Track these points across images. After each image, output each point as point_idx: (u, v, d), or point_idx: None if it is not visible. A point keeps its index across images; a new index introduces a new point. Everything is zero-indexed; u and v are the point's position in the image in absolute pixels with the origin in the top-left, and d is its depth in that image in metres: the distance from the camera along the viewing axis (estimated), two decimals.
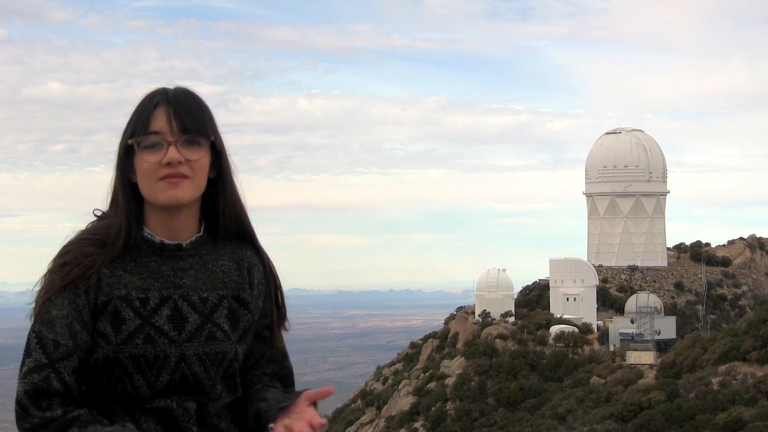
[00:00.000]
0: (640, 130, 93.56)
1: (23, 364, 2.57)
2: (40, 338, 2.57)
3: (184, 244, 2.68)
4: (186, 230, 2.69)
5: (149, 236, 2.66)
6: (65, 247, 2.65)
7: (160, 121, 2.60)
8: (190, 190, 2.62)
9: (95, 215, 2.73)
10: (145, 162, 2.59)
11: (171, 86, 2.68)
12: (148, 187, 2.61)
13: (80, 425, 2.52)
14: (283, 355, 2.85)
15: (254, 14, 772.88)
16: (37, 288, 2.64)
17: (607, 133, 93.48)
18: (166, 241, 2.66)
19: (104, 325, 2.59)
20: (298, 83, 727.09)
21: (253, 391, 2.77)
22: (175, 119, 2.60)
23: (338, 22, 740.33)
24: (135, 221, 2.64)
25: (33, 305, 2.63)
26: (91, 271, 2.60)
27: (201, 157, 2.62)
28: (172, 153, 2.58)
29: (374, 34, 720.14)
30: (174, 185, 2.59)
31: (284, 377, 2.84)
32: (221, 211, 2.72)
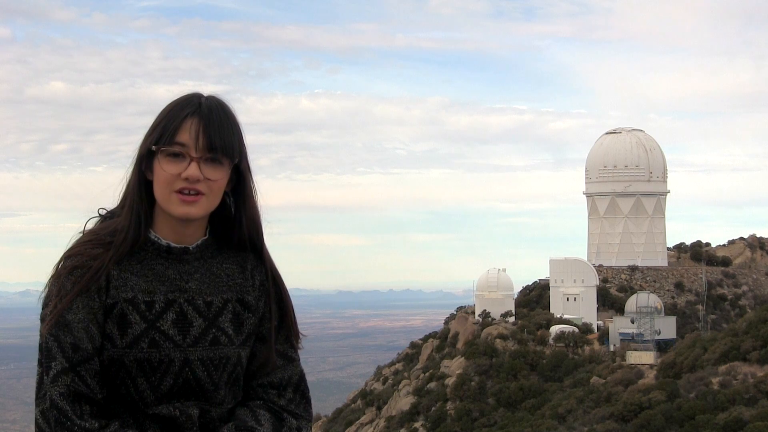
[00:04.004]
0: (641, 130, 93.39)
1: (49, 368, 2.53)
2: (59, 342, 2.54)
3: (191, 248, 2.67)
4: (194, 236, 2.68)
5: (156, 239, 2.65)
6: (71, 249, 2.62)
7: (186, 133, 2.57)
8: (204, 207, 2.60)
9: (99, 214, 2.71)
10: (164, 171, 2.57)
11: (206, 93, 2.64)
12: (163, 196, 2.59)
13: None
14: (289, 360, 2.79)
15: (258, 14, 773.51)
16: (44, 292, 2.60)
17: (607, 133, 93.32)
18: (173, 245, 2.65)
19: (111, 327, 2.58)
20: (301, 83, 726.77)
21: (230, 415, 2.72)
22: (203, 136, 2.57)
23: (342, 22, 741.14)
24: (144, 221, 2.63)
25: (41, 310, 2.58)
26: (101, 272, 2.58)
27: (220, 178, 2.60)
28: (192, 170, 2.56)
29: (378, 34, 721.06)
30: (189, 203, 2.57)
31: (292, 383, 2.78)
32: (238, 227, 2.70)
